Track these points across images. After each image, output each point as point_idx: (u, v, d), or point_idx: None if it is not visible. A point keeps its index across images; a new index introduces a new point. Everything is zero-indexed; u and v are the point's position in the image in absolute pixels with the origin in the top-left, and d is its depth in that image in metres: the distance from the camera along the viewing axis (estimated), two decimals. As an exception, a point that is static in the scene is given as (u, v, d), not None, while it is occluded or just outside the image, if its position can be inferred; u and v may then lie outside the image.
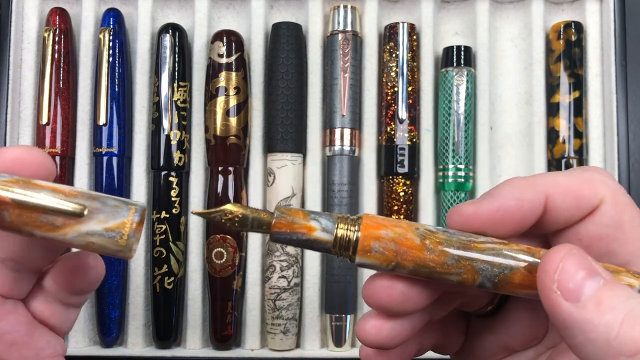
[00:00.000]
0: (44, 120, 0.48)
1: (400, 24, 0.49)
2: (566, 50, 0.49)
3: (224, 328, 0.48)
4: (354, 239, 0.25)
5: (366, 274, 0.48)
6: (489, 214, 0.25)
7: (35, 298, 0.31)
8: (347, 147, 0.49)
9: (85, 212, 0.24)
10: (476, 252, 0.24)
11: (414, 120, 0.49)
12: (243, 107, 0.48)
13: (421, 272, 0.24)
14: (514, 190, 0.25)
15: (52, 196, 0.24)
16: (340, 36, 0.49)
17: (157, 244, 0.48)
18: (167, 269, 0.48)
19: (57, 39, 0.48)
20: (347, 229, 0.25)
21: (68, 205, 0.24)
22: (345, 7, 0.50)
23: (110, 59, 0.48)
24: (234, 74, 0.48)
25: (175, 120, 0.48)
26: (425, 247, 0.24)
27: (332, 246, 0.25)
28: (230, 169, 0.48)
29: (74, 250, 0.29)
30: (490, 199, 0.25)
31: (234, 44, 0.48)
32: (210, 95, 0.48)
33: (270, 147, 0.49)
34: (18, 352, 0.30)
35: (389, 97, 0.49)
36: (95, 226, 0.25)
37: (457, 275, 0.24)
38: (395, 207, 0.48)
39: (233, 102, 0.47)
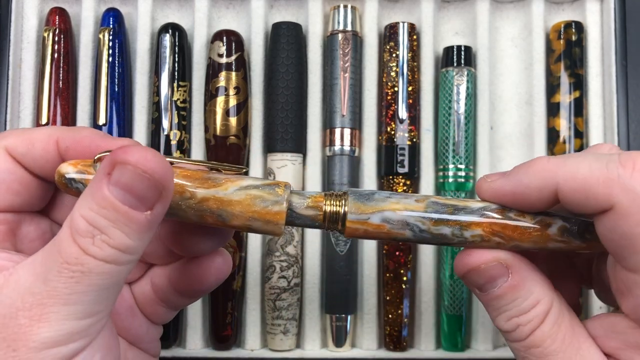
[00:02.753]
0: (44, 120, 0.48)
1: (401, 24, 0.49)
2: (566, 50, 0.49)
3: (224, 328, 0.48)
4: (342, 213, 0.28)
5: (366, 274, 0.48)
6: (501, 194, 0.28)
7: (140, 291, 0.32)
8: (347, 147, 0.49)
9: (245, 170, 0.29)
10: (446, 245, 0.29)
11: (414, 120, 0.49)
12: (243, 107, 0.48)
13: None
14: (525, 176, 0.27)
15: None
16: (340, 36, 0.49)
17: (157, 244, 0.47)
18: (167, 269, 0.47)
19: (56, 38, 0.48)
20: (334, 205, 0.28)
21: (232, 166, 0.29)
22: (345, 7, 0.50)
23: (110, 59, 0.48)
24: (234, 73, 0.48)
25: (175, 120, 0.48)
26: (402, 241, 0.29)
27: (322, 221, 0.28)
28: (230, 169, 0.48)
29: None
30: (506, 180, 0.28)
31: (234, 44, 0.48)
32: (210, 95, 0.48)
33: (270, 147, 0.49)
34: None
35: (389, 97, 0.49)
36: (254, 182, 0.28)
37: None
38: (396, 207, 0.48)
39: (233, 102, 0.47)
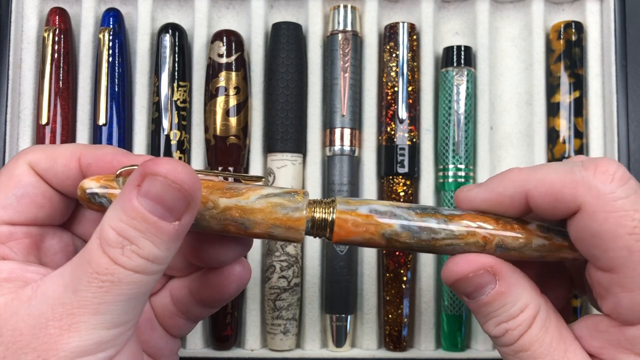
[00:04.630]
0: (44, 120, 0.48)
1: (400, 24, 0.49)
2: (566, 50, 0.49)
3: (224, 328, 0.48)
4: (330, 220, 0.29)
5: (366, 274, 0.48)
6: (478, 202, 0.29)
7: (159, 303, 0.32)
8: (347, 147, 0.49)
9: (264, 180, 0.28)
10: (434, 249, 0.29)
11: (414, 120, 0.49)
12: (243, 107, 0.48)
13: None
14: (499, 185, 0.29)
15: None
16: (340, 36, 0.49)
17: (157, 244, 0.48)
18: (167, 269, 0.47)
19: (56, 38, 0.48)
20: (323, 212, 0.29)
21: (251, 175, 0.30)
22: (345, 7, 0.50)
23: (110, 59, 0.48)
24: (234, 73, 0.48)
25: (175, 120, 0.48)
26: (390, 245, 0.29)
27: (309, 228, 0.29)
28: (230, 169, 0.48)
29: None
30: (480, 189, 0.29)
31: (234, 44, 0.48)
32: (210, 95, 0.48)
33: (270, 147, 0.49)
34: None
35: (389, 97, 0.49)
36: (273, 190, 0.28)
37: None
38: (396, 207, 0.48)
39: (233, 102, 0.47)
